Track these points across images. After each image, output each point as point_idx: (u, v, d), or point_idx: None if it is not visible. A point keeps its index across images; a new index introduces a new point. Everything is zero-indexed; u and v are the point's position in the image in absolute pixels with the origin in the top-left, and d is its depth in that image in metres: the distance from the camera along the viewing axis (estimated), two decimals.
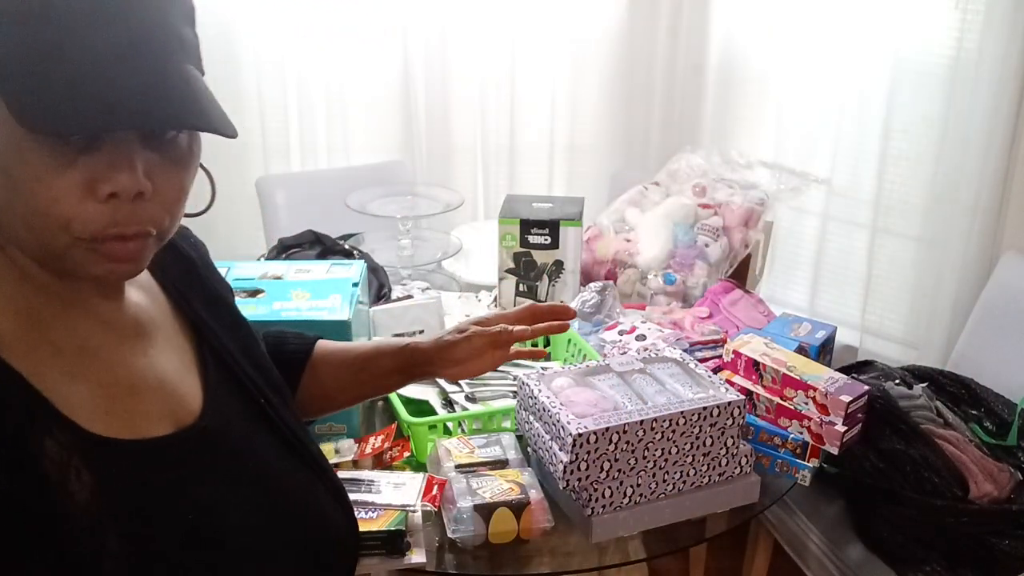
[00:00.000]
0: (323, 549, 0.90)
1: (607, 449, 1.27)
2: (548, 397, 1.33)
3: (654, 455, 1.31)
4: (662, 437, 1.30)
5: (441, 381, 1.57)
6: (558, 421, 1.28)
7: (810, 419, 1.46)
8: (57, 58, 0.67)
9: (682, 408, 1.30)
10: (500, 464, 1.37)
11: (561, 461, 1.26)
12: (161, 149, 0.73)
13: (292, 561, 0.86)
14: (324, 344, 1.18)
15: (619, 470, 1.28)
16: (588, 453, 1.26)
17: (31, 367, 0.71)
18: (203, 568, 0.77)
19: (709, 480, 1.36)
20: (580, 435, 1.24)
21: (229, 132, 0.72)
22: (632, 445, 1.28)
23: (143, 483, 0.75)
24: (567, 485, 1.27)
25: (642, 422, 1.27)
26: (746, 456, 1.38)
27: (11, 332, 0.72)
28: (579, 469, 1.26)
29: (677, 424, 1.30)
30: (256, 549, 0.82)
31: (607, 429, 1.26)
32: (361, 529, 1.01)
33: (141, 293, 0.86)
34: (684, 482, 1.34)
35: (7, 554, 0.67)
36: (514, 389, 1.59)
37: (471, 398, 1.55)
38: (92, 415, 0.74)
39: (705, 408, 1.31)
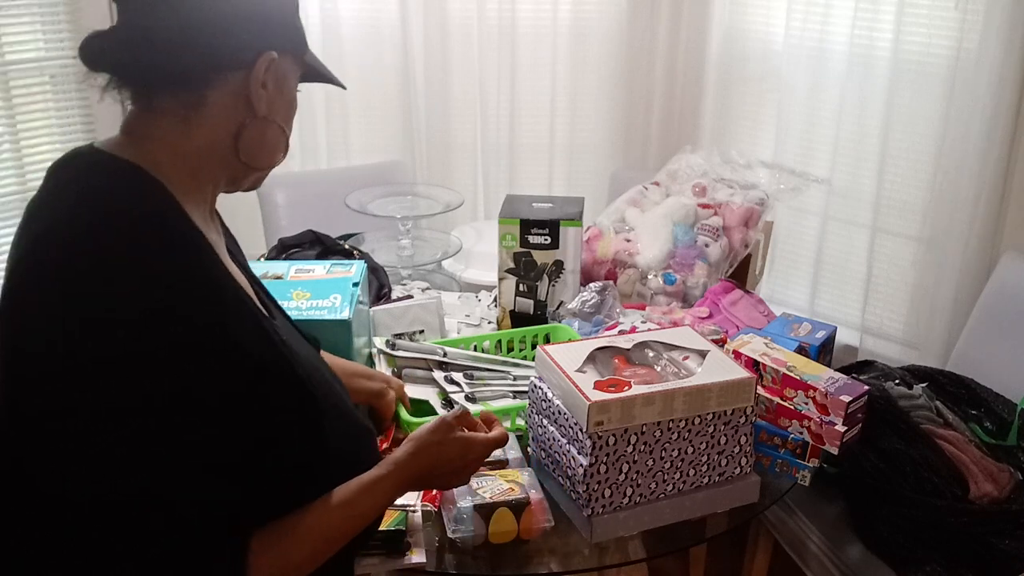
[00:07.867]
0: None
1: (626, 451, 1.27)
2: (562, 401, 1.33)
3: (671, 455, 1.31)
4: (679, 437, 1.30)
5: (441, 381, 1.57)
6: (576, 424, 1.28)
7: (810, 419, 1.46)
8: None
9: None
10: (500, 464, 1.37)
11: (581, 464, 1.26)
12: None
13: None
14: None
15: (637, 471, 1.29)
16: (608, 456, 1.26)
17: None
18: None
19: (709, 480, 1.36)
20: (600, 436, 1.25)
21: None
22: (650, 446, 1.29)
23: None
24: (587, 488, 1.27)
25: (659, 423, 1.28)
26: (746, 456, 1.38)
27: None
28: (599, 472, 1.26)
29: (694, 424, 1.31)
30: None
31: (626, 430, 1.26)
32: None
33: None
34: (684, 482, 1.34)
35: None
36: (514, 389, 1.59)
37: (471, 398, 1.55)
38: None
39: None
